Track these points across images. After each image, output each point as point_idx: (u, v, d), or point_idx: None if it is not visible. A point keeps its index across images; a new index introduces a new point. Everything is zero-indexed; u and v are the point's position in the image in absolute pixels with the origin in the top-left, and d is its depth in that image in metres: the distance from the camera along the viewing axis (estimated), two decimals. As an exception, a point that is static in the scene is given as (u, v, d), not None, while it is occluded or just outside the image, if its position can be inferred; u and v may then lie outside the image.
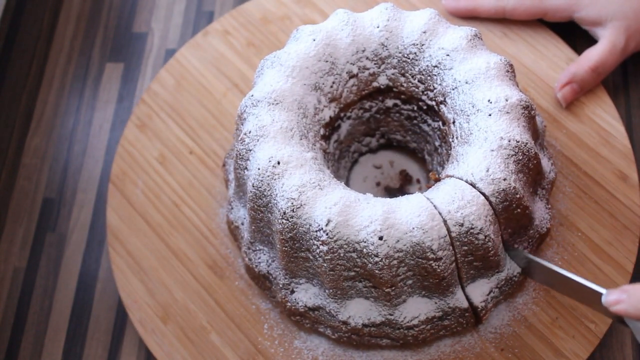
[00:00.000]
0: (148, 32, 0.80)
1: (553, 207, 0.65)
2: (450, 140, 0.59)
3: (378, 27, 0.60)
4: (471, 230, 0.53)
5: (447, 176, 0.56)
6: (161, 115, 0.72)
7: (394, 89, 0.62)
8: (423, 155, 0.67)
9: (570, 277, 0.55)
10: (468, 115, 0.57)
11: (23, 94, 0.78)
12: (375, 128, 0.67)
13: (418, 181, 0.68)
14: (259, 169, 0.55)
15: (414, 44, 0.60)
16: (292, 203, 0.54)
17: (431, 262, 0.53)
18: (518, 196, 0.55)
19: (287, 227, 0.54)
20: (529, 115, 0.57)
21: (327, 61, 0.60)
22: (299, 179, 0.54)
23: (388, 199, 0.55)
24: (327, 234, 0.53)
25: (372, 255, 0.53)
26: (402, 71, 0.61)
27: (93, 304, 0.68)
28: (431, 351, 0.61)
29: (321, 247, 0.53)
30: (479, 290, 0.58)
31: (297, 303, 0.59)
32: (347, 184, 0.68)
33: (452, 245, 0.54)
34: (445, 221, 0.53)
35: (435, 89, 0.60)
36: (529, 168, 0.56)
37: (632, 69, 0.72)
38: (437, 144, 0.63)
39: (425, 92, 0.61)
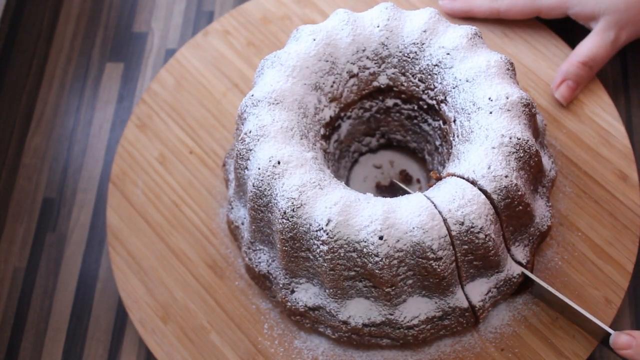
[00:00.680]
0: (148, 32, 0.80)
1: (553, 206, 0.65)
2: (451, 138, 0.59)
3: (378, 26, 0.60)
4: (471, 229, 0.53)
5: (449, 174, 0.56)
6: (161, 115, 0.72)
7: (395, 89, 0.62)
8: (423, 155, 0.67)
9: (581, 311, 0.57)
10: (469, 114, 0.57)
11: (23, 94, 0.78)
12: (375, 128, 0.67)
13: (418, 181, 0.68)
14: (259, 168, 0.55)
15: (414, 43, 0.60)
16: (293, 203, 0.53)
17: (431, 261, 0.53)
18: (520, 193, 0.55)
19: (288, 227, 0.54)
20: (529, 112, 0.57)
21: (327, 61, 0.60)
22: (299, 178, 0.54)
23: (388, 199, 0.55)
24: (327, 234, 0.53)
25: (373, 255, 0.53)
26: (403, 70, 0.61)
27: (93, 304, 0.68)
28: (431, 351, 0.61)
29: (321, 246, 0.53)
30: (478, 290, 0.58)
31: (297, 303, 0.59)
32: (347, 183, 0.68)
33: (452, 245, 0.54)
34: (445, 220, 0.53)
35: (435, 87, 0.60)
36: (530, 165, 0.56)
37: (632, 69, 0.72)
38: (437, 143, 0.63)
39: (425, 91, 0.61)
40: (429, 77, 0.60)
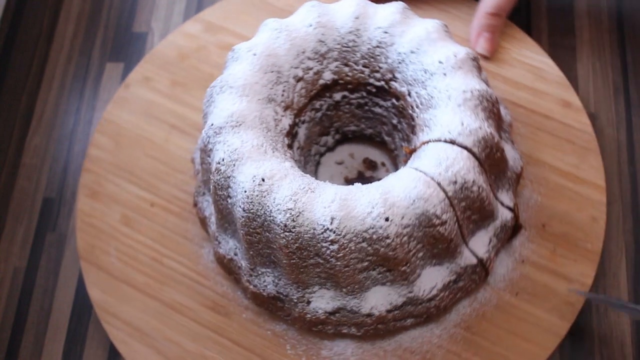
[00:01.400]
0: (148, 32, 0.80)
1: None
2: (411, 112, 0.60)
3: (311, 25, 0.61)
4: (465, 185, 0.54)
5: (423, 143, 0.57)
6: (110, 178, 0.70)
7: (340, 81, 0.63)
8: (382, 138, 0.68)
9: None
10: (423, 82, 0.58)
11: (23, 94, 0.77)
12: (329, 126, 0.67)
13: (383, 164, 0.69)
14: (245, 191, 0.54)
15: (350, 32, 0.61)
16: (291, 213, 0.53)
17: (438, 227, 0.54)
18: (495, 140, 0.57)
19: (292, 239, 0.54)
20: (477, 65, 0.59)
21: (272, 71, 0.60)
22: (289, 188, 0.54)
23: (378, 182, 0.55)
24: (334, 232, 0.53)
25: (383, 239, 0.53)
26: (345, 61, 0.62)
27: (93, 304, 0.66)
28: (452, 317, 0.62)
29: (331, 246, 0.53)
30: (480, 243, 0.60)
31: (317, 312, 0.58)
32: (317, 187, 0.68)
33: (451, 205, 0.55)
34: (439, 184, 0.54)
35: (381, 68, 0.61)
36: (494, 112, 0.58)
37: (632, 69, 0.74)
38: (394, 121, 0.64)
39: (372, 75, 0.62)
40: (372, 60, 0.61)
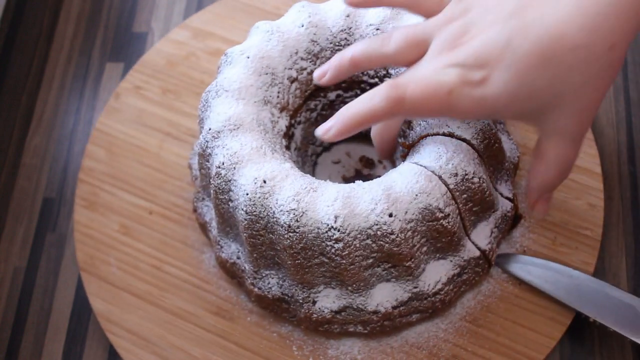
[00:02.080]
0: (148, 32, 0.80)
1: (510, 140, 0.68)
2: (407, 107, 0.60)
3: (302, 25, 0.61)
4: (466, 177, 0.55)
5: (421, 137, 0.57)
6: (106, 188, 0.70)
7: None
8: (377, 135, 0.68)
9: None
10: (419, 77, 0.58)
11: (23, 94, 0.77)
12: (324, 125, 0.67)
13: (380, 161, 0.69)
14: (247, 194, 0.54)
15: (342, 30, 0.61)
16: (294, 214, 0.53)
17: (441, 221, 0.54)
18: (493, 131, 0.57)
19: (296, 239, 0.54)
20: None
21: (267, 73, 0.60)
22: (290, 189, 0.54)
23: (380, 179, 0.55)
24: (338, 231, 0.53)
25: (388, 235, 0.53)
26: (338, 60, 0.62)
27: None
28: (458, 311, 0.62)
29: (336, 245, 0.53)
30: (482, 234, 0.60)
31: (323, 311, 0.58)
32: (315, 187, 0.68)
33: (453, 198, 0.55)
34: (440, 177, 0.54)
35: (375, 65, 0.61)
36: (490, 106, 0.59)
37: (632, 69, 0.74)
38: (390, 118, 0.64)
39: (365, 73, 0.62)
40: (366, 57, 0.61)
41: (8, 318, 0.67)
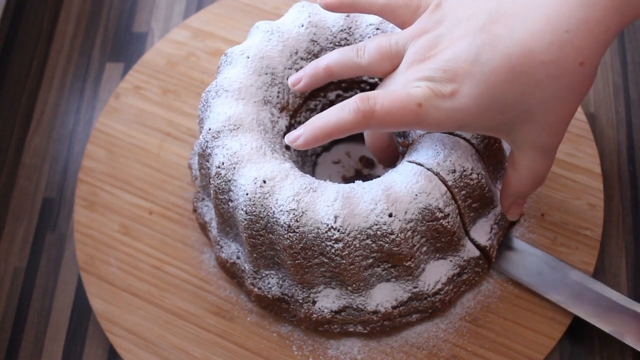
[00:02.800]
0: (148, 32, 0.80)
1: (510, 140, 0.68)
2: (407, 107, 0.60)
3: (302, 25, 0.61)
4: (464, 173, 0.55)
5: (421, 136, 0.57)
6: (105, 188, 0.70)
7: (334, 80, 0.63)
8: (377, 135, 0.68)
9: None
10: (419, 77, 0.58)
11: (23, 94, 0.78)
12: (324, 125, 0.67)
13: (380, 161, 0.69)
14: (247, 194, 0.54)
15: (342, 30, 0.61)
16: (294, 214, 0.53)
17: (441, 221, 0.54)
18: (493, 133, 0.57)
19: (296, 239, 0.54)
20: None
21: (266, 73, 0.60)
22: (290, 189, 0.54)
23: (379, 178, 0.55)
24: (338, 231, 0.53)
25: (387, 235, 0.53)
26: (338, 60, 0.62)
27: None
28: (458, 311, 0.62)
29: (336, 245, 0.53)
30: (482, 231, 0.60)
31: (323, 311, 0.58)
32: (315, 187, 0.68)
33: (452, 196, 0.55)
34: (438, 174, 0.54)
35: (375, 65, 0.61)
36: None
37: (632, 69, 0.74)
38: (390, 118, 0.64)
39: (365, 73, 0.62)
40: (366, 57, 0.61)
41: (8, 318, 0.68)
